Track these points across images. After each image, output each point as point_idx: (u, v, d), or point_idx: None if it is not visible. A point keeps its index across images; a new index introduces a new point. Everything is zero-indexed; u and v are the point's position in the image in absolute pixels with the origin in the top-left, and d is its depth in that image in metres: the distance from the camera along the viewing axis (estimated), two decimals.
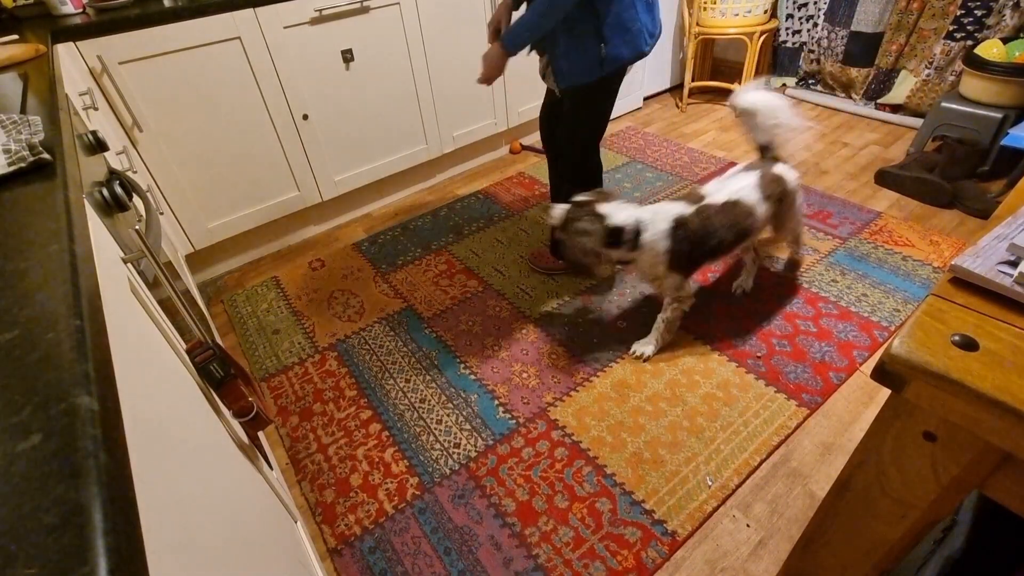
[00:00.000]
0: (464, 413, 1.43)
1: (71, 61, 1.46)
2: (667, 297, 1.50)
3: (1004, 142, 1.88)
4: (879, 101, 2.72)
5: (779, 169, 1.47)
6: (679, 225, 1.35)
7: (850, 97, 2.85)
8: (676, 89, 3.27)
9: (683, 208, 1.38)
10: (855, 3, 2.62)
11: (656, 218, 1.36)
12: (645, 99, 3.15)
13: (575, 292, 1.80)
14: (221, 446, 0.68)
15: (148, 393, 0.47)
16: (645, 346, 1.55)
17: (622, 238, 1.35)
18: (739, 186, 1.41)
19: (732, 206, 1.38)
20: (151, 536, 0.32)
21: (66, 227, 0.48)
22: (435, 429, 1.40)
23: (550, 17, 1.32)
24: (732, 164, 2.46)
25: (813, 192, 2.21)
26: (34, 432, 0.29)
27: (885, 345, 1.39)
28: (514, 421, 1.40)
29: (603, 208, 1.36)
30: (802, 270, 1.80)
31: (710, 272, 1.83)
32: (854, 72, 2.78)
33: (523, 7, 1.43)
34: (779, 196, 1.45)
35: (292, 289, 1.96)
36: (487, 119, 2.48)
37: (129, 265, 0.68)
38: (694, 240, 1.36)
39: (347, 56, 1.93)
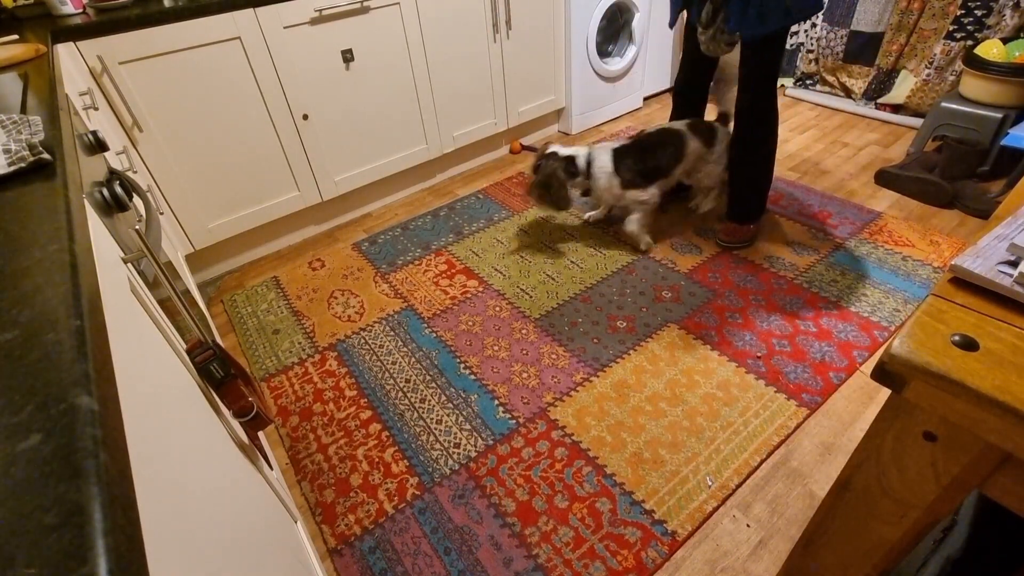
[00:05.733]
0: (464, 413, 1.43)
1: (71, 61, 1.46)
2: (634, 209, 1.89)
3: (1004, 142, 1.88)
4: (879, 101, 2.72)
5: (716, 124, 1.92)
6: (620, 153, 1.81)
7: (850, 97, 2.85)
8: None
9: (623, 141, 1.86)
10: (854, 2, 2.63)
11: (600, 151, 1.83)
12: (645, 99, 3.15)
13: (575, 292, 1.80)
14: (221, 446, 0.68)
15: (148, 393, 0.47)
16: (642, 239, 1.93)
17: (577, 168, 1.81)
18: (675, 123, 1.90)
19: (665, 131, 1.84)
20: (151, 536, 0.32)
21: (66, 227, 0.48)
22: (435, 429, 1.40)
23: None
24: None
25: (813, 192, 2.21)
26: (34, 432, 0.29)
27: (885, 345, 1.40)
28: (514, 421, 1.40)
29: (556, 149, 1.83)
30: (802, 270, 1.80)
31: (709, 273, 1.83)
32: (854, 71, 2.78)
33: None
34: (708, 135, 1.88)
35: (292, 289, 1.96)
36: (487, 119, 2.48)
37: (129, 265, 0.68)
38: (636, 159, 1.80)
39: (347, 56, 1.93)
